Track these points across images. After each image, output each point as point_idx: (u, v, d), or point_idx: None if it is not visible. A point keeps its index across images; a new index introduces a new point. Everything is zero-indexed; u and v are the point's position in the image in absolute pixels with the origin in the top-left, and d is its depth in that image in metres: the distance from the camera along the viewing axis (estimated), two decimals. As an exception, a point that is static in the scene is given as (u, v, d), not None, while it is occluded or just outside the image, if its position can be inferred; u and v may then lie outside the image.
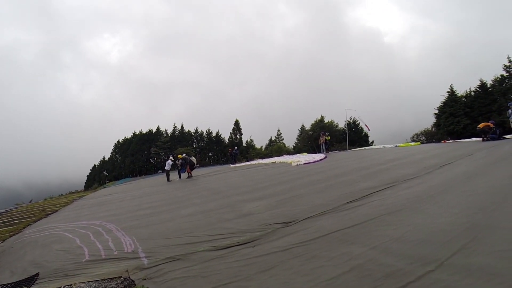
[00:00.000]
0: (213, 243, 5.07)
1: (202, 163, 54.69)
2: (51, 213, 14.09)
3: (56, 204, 17.69)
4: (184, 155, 20.96)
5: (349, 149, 28.87)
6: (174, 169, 21.75)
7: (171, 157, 21.68)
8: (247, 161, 40.55)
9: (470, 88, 34.28)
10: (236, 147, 36.75)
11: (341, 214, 5.50)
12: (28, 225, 11.48)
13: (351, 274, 3.24)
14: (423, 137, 35.91)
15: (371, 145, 38.21)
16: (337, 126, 46.01)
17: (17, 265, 6.11)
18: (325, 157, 18.12)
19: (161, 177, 28.62)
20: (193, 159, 20.64)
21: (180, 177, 20.78)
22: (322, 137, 24.10)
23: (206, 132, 60.10)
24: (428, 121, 39.60)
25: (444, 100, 34.92)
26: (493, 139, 15.10)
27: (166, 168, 21.48)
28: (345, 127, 40.98)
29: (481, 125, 16.48)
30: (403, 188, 6.81)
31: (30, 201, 26.09)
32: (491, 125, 15.87)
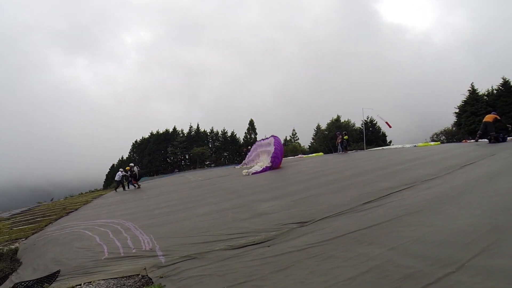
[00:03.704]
0: (229, 242, 5.09)
1: (218, 163, 55.25)
2: (72, 211, 14.40)
3: (77, 203, 18.04)
4: (131, 165, 21.92)
5: (366, 149, 28.38)
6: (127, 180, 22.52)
7: (121, 169, 22.54)
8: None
9: (492, 87, 33.09)
10: (250, 147, 36.74)
11: (358, 215, 5.43)
12: (50, 223, 11.75)
13: (368, 275, 3.20)
14: (443, 137, 34.81)
15: (389, 145, 37.44)
16: (353, 125, 45.39)
17: (39, 262, 6.28)
18: (271, 166, 17.54)
19: (178, 176, 29.09)
20: (135, 169, 21.53)
21: (127, 188, 21.93)
22: (338, 137, 23.83)
23: (221, 132, 60.61)
24: (448, 120, 38.37)
25: (465, 99, 33.81)
26: (498, 140, 13.45)
27: (116, 179, 22.35)
28: (362, 126, 40.35)
29: (489, 118, 14.19)
30: (422, 189, 6.63)
31: (52, 200, 26.69)
32: (498, 117, 14.16)
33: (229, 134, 60.19)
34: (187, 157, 59.01)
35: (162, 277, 4.13)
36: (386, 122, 27.51)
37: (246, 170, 17.82)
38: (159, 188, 18.48)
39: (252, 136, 57.81)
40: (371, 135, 43.21)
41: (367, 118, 44.88)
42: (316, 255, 3.94)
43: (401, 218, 4.80)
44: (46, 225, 11.23)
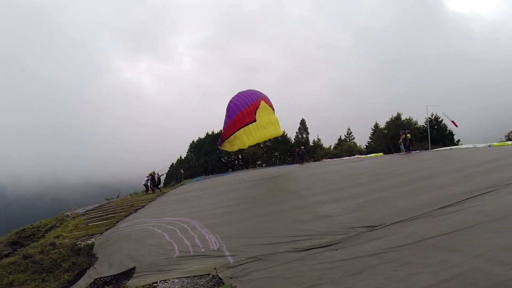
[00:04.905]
0: (293, 245, 5.13)
1: (269, 163, 55.71)
2: (139, 208, 14.89)
3: (142, 200, 18.94)
4: (153, 172, 24.08)
5: (431, 148, 26.25)
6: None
7: (147, 175, 24.38)
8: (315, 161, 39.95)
9: None
10: (303, 147, 36.37)
11: (434, 220, 5.15)
12: (121, 219, 12.43)
13: (452, 283, 3.08)
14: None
15: (457, 144, 34.12)
16: (415, 123, 42.25)
17: (115, 258, 6.78)
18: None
19: (232, 176, 29.98)
20: (156, 176, 24.01)
21: (150, 190, 23.91)
22: (402, 135, 22.37)
23: (273, 132, 60.92)
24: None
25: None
26: None
27: (143, 183, 24.69)
28: (425, 124, 37.40)
29: None
30: (506, 193, 6.10)
31: (118, 196, 28.13)
32: None
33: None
34: (240, 157, 60.49)
35: (231, 278, 4.27)
36: (452, 121, 25.16)
37: None
38: (217, 187, 18.99)
39: (304, 135, 57.15)
40: (436, 134, 39.73)
41: (432, 116, 41.39)
42: (391, 260, 3.85)
43: (485, 224, 4.48)
44: (117, 221, 11.96)
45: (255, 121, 12.55)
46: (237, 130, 12.05)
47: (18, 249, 11.51)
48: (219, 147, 12.97)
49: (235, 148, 12.57)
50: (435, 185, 8.03)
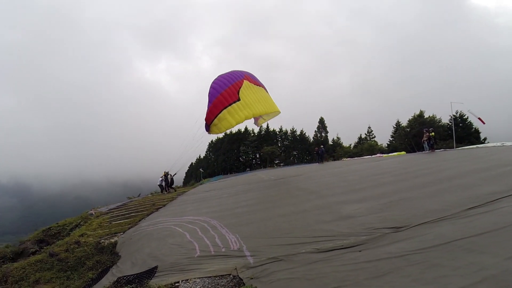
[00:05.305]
0: (315, 245, 5.08)
1: (287, 162, 55.52)
2: (160, 207, 14.97)
3: (163, 199, 19.08)
4: (166, 172, 24.42)
5: (456, 147, 25.32)
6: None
7: (161, 176, 24.87)
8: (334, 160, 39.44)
9: None
10: (322, 146, 36.00)
11: (463, 221, 5.01)
12: (143, 218, 12.60)
13: (483, 286, 3.02)
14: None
15: (484, 143, 32.73)
16: (439, 121, 40.96)
17: (137, 256, 6.91)
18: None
19: (251, 175, 30.07)
20: (169, 177, 24.47)
21: (165, 191, 24.39)
22: (425, 134, 21.70)
23: (291, 131, 60.72)
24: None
25: None
26: None
27: (158, 184, 25.24)
28: (450, 122, 36.13)
29: None
30: (540, 194, 5.81)
31: (139, 195, 28.38)
32: None
33: (298, 132, 59.95)
34: (257, 156, 60.64)
35: (252, 278, 4.28)
36: (479, 118, 24.17)
37: None
38: (236, 187, 19.06)
39: (323, 134, 56.61)
40: (461, 132, 38.37)
41: (456, 113, 39.92)
42: (418, 262, 3.78)
43: (517, 227, 4.30)
44: (140, 220, 12.14)
45: (239, 100, 12.34)
46: (220, 112, 11.88)
47: (45, 247, 12.03)
48: (207, 133, 12.76)
49: (222, 130, 12.46)
50: (462, 185, 7.78)
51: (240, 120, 12.15)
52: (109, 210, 17.74)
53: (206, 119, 12.04)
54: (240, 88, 12.66)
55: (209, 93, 12.21)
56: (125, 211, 15.91)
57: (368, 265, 3.96)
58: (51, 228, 15.39)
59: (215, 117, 11.86)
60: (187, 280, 4.76)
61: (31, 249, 12.20)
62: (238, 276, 4.51)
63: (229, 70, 13.68)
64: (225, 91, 12.16)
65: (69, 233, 13.59)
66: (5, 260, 11.16)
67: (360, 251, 4.53)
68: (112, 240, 9.45)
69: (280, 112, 15.58)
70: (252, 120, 14.99)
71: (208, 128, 12.31)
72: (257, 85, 14.10)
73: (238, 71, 13.82)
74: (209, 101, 12.06)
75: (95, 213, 16.72)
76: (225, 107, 11.88)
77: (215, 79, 12.75)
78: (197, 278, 4.74)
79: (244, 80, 13.14)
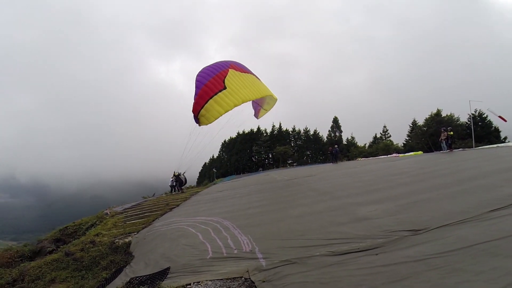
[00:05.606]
0: (329, 248, 4.95)
1: (300, 162, 55.24)
2: (174, 207, 15.08)
3: (177, 199, 19.33)
4: (176, 173, 24.23)
5: (475, 146, 24.56)
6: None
7: (171, 176, 25.35)
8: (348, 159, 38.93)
9: None
10: (336, 145, 35.62)
11: (485, 224, 4.82)
12: (157, 218, 12.70)
13: (508, 291, 2.87)
14: None
15: (505, 142, 31.63)
16: (457, 120, 39.86)
17: (150, 257, 6.93)
18: None
19: (263, 175, 30.08)
20: (181, 177, 24.38)
21: (174, 191, 24.97)
22: (443, 133, 21.16)
23: (304, 130, 60.39)
24: None
25: None
26: None
27: (169, 184, 26.13)
28: (469, 121, 35.11)
29: None
30: None
31: (153, 195, 28.77)
32: None
33: (311, 132, 59.56)
34: (270, 156, 60.61)
35: (264, 281, 4.18)
36: (500, 116, 23.39)
37: None
38: (248, 187, 19.07)
39: (337, 134, 56.05)
40: (480, 131, 37.22)
41: (475, 112, 38.76)
42: (438, 267, 3.64)
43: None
44: (153, 220, 12.23)
45: (225, 88, 12.16)
46: (206, 102, 11.72)
47: (61, 246, 12.30)
48: (198, 125, 12.53)
49: (212, 120, 12.16)
50: (484, 186, 7.51)
51: (229, 108, 12.03)
52: (123, 209, 18.00)
53: (193, 111, 11.95)
54: (225, 77, 12.51)
55: (195, 86, 12.14)
56: (139, 211, 16.10)
57: (385, 269, 3.83)
58: (68, 227, 15.76)
59: (202, 108, 11.74)
60: (199, 282, 4.72)
61: (48, 248, 12.45)
62: (250, 278, 4.43)
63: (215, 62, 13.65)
64: (209, 82, 12.07)
65: (85, 232, 13.91)
66: (23, 259, 11.40)
67: (376, 255, 4.39)
68: (126, 240, 9.54)
69: (276, 98, 15.24)
70: (261, 118, 14.89)
71: (197, 119, 12.16)
72: (244, 72, 13.86)
73: (223, 61, 13.74)
74: (195, 93, 12.00)
75: (110, 212, 17.01)
76: (211, 97, 11.75)
77: (199, 71, 12.68)
78: (209, 280, 4.70)
79: (230, 69, 13.00)
